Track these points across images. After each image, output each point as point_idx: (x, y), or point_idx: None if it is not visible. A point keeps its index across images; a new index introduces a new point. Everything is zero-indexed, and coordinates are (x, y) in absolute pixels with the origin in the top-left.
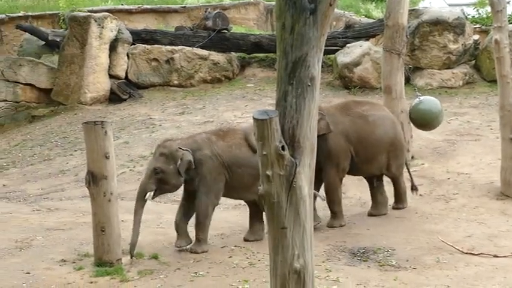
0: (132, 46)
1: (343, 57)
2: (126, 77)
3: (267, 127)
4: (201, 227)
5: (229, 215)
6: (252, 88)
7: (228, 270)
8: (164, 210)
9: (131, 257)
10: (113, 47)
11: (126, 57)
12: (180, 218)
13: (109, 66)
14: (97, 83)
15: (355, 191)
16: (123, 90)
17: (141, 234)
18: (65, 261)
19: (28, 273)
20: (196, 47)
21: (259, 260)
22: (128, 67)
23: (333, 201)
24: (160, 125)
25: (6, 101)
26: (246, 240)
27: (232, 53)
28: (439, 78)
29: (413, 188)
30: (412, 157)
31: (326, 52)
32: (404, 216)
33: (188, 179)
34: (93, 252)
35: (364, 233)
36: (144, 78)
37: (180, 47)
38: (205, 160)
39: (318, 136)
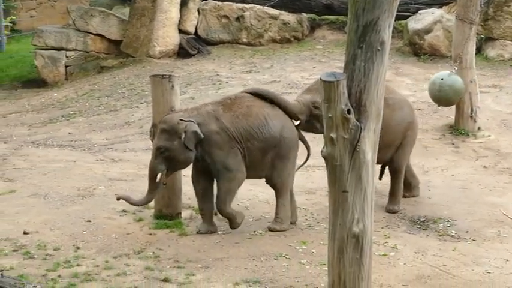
0: (203, 2)
1: (415, 23)
2: (196, 33)
3: (334, 89)
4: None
5: None
6: (320, 50)
7: (287, 230)
8: None
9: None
10: (184, 2)
11: (196, 13)
12: (202, 202)
13: (179, 21)
14: (166, 37)
15: (418, 159)
16: (192, 46)
17: None
18: (125, 211)
19: (89, 221)
20: (267, 6)
21: (318, 223)
22: (197, 23)
23: None
24: (227, 82)
25: (76, 50)
26: None
27: (303, 13)
28: (511, 49)
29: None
30: (479, 128)
31: (397, 17)
32: (466, 187)
33: (199, 157)
34: (153, 204)
35: (425, 201)
36: (213, 35)
37: (250, 5)
38: (212, 135)
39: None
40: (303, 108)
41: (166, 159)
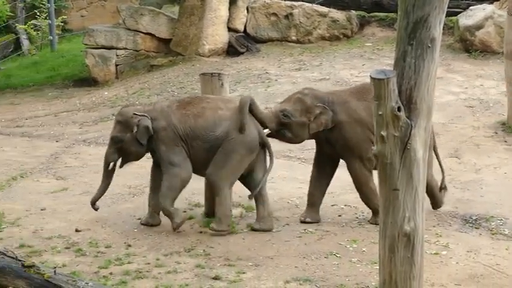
0: (252, 0)
1: (465, 19)
2: (245, 31)
3: (384, 87)
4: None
5: (340, 173)
6: (370, 47)
7: (337, 229)
8: (277, 165)
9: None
10: (233, 0)
11: (245, 11)
12: (152, 196)
13: (228, 19)
14: (216, 35)
15: (470, 156)
16: (241, 44)
17: None
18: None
19: (140, 219)
20: (316, 4)
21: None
22: (246, 21)
23: (367, 196)
24: (276, 80)
25: (126, 49)
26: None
27: (352, 11)
28: None
29: (442, 188)
30: None
31: (448, 14)
32: None
33: (152, 151)
34: (203, 202)
35: (477, 199)
36: (262, 33)
37: (299, 3)
38: (160, 131)
39: (324, 130)
40: (272, 117)
41: (119, 150)
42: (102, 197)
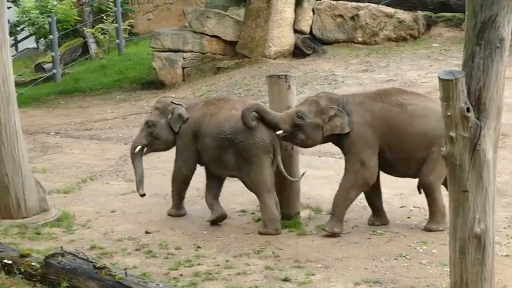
0: (318, 1)
1: None
2: (311, 32)
3: (453, 88)
4: (172, 191)
5: None
6: (437, 48)
7: (406, 230)
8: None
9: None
10: (298, 1)
11: (311, 13)
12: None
13: (294, 21)
14: (282, 37)
15: None
16: (307, 45)
17: (321, 190)
18: (244, 211)
19: (209, 221)
20: (382, 4)
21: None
22: (312, 22)
23: (340, 200)
24: (343, 82)
25: (192, 51)
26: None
27: (419, 11)
28: None
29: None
30: None
31: None
32: None
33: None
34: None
35: None
36: (328, 34)
37: (365, 4)
38: (182, 127)
39: (334, 135)
40: (286, 119)
41: (149, 135)
42: (171, 199)
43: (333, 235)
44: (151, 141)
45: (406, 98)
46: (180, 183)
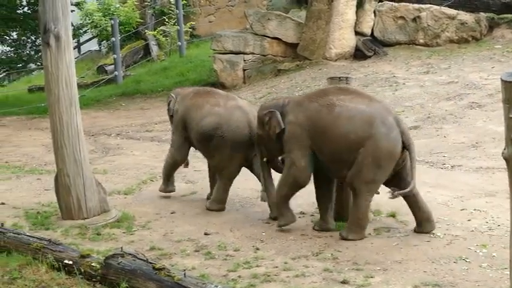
0: (380, 3)
1: None
2: (372, 34)
3: None
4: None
5: (469, 177)
6: (499, 50)
7: (466, 233)
8: None
9: None
10: (360, 3)
11: (372, 14)
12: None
13: (355, 23)
14: (343, 39)
15: None
16: (368, 47)
17: (380, 192)
18: (303, 213)
19: (267, 223)
20: (444, 6)
21: (499, 226)
22: (373, 24)
23: (277, 198)
24: (403, 84)
25: (253, 53)
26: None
27: (481, 13)
28: None
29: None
30: None
31: None
32: None
33: None
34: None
35: None
36: (389, 36)
37: (427, 6)
38: (174, 113)
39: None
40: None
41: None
42: (230, 201)
43: (284, 225)
44: None
45: (340, 99)
46: (170, 168)
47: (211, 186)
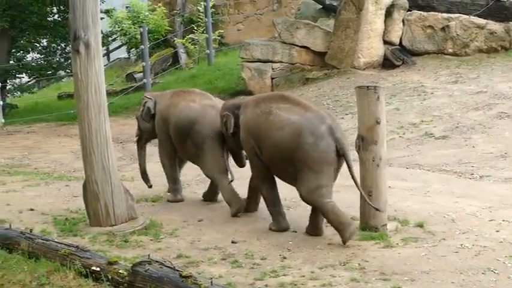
0: (408, 12)
1: None
2: (400, 43)
3: None
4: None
5: (498, 188)
6: None
7: (495, 244)
8: (433, 179)
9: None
10: (388, 12)
11: (401, 24)
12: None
13: (384, 32)
14: (371, 48)
15: None
16: (397, 57)
17: (408, 202)
18: None
19: (295, 231)
20: (473, 15)
21: None
22: (402, 33)
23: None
24: (432, 93)
25: (281, 62)
26: None
27: (511, 22)
28: None
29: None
30: None
31: None
32: None
33: None
34: (358, 216)
35: None
36: (418, 45)
37: (456, 15)
38: (156, 113)
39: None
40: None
41: (138, 127)
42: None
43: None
44: (139, 132)
45: (278, 107)
46: (168, 167)
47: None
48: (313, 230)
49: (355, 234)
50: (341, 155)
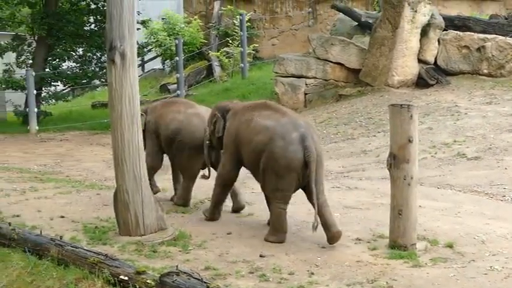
0: (444, 32)
1: None
2: (435, 63)
3: None
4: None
5: None
6: None
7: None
8: (464, 199)
9: None
10: (424, 31)
11: (436, 43)
12: None
13: (419, 51)
14: (405, 66)
15: None
16: (431, 76)
17: (439, 222)
18: (359, 239)
19: (323, 247)
20: (510, 37)
21: None
22: (437, 53)
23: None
24: (465, 114)
25: (315, 78)
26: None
27: None
28: None
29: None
30: None
31: None
32: None
33: None
34: (388, 234)
35: None
36: (453, 65)
37: (492, 36)
38: (146, 124)
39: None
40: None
41: None
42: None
43: (210, 219)
44: None
45: (260, 115)
46: (148, 172)
47: (174, 187)
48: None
49: (279, 243)
50: (307, 163)
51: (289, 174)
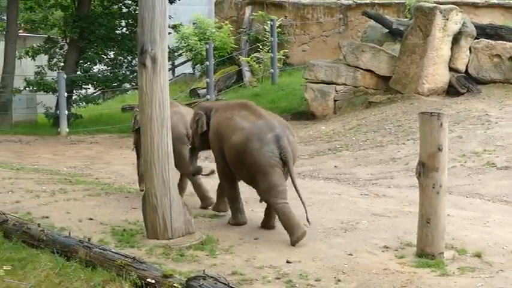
0: (475, 40)
1: None
2: (466, 71)
3: None
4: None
5: None
6: None
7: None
8: (493, 209)
9: None
10: (455, 39)
11: (468, 51)
12: None
13: (450, 59)
14: (436, 74)
15: None
16: (462, 84)
17: (467, 231)
18: (387, 247)
19: (350, 254)
20: None
21: None
22: (468, 61)
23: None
24: (496, 123)
25: (345, 84)
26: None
27: None
28: None
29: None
30: None
31: None
32: None
33: None
34: (415, 242)
35: None
36: (484, 74)
37: None
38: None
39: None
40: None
41: None
42: (314, 230)
43: (235, 224)
44: (135, 141)
45: (239, 115)
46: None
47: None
48: (265, 225)
49: (303, 238)
50: (284, 162)
51: (273, 169)
